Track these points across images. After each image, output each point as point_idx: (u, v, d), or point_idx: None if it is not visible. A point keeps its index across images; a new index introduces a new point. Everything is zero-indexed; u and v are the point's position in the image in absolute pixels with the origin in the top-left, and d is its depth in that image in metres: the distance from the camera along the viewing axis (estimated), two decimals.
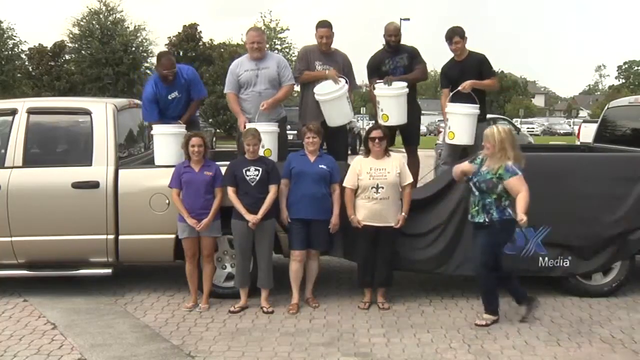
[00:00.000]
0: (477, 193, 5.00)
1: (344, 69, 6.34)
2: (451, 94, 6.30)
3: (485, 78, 6.30)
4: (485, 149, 5.01)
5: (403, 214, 5.40)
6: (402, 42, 6.55)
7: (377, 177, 5.34)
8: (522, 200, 4.78)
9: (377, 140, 5.42)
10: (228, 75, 6.30)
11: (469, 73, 6.22)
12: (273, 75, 6.18)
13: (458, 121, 6.17)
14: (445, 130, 6.45)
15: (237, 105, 6.22)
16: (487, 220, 4.94)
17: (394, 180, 5.35)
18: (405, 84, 6.18)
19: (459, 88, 6.16)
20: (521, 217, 4.66)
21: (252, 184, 5.34)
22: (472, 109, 6.14)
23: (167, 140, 5.85)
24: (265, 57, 6.22)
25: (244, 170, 5.36)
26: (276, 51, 35.62)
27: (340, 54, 6.48)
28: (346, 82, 6.13)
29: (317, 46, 6.33)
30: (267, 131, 5.87)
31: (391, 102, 6.20)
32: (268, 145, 5.85)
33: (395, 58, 6.40)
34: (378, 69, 6.51)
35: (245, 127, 5.83)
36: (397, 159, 5.49)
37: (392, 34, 6.41)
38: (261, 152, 5.65)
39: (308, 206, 5.37)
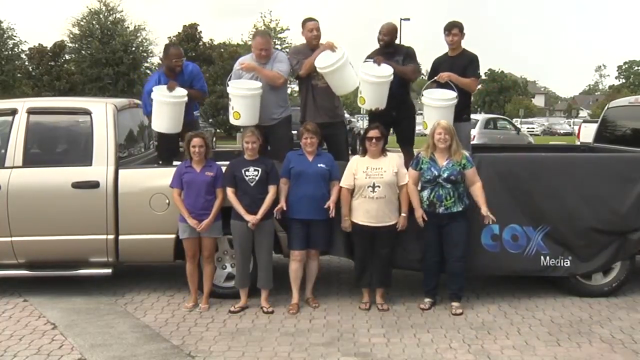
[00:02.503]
0: (448, 185, 5.29)
1: None
2: (429, 82, 6.26)
3: (468, 76, 6.22)
4: (442, 142, 5.31)
5: (403, 214, 5.40)
6: (402, 42, 6.49)
7: (374, 176, 5.33)
8: (482, 194, 5.26)
9: (374, 140, 5.40)
10: (232, 75, 6.29)
11: (456, 71, 6.15)
12: None
13: (431, 112, 5.98)
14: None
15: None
16: (463, 207, 5.32)
17: (390, 179, 5.35)
18: (389, 72, 5.94)
19: (436, 77, 6.15)
20: (488, 214, 5.19)
21: (252, 184, 5.34)
22: (448, 100, 5.94)
23: (166, 105, 5.93)
24: (269, 58, 6.19)
25: (243, 171, 5.36)
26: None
27: None
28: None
29: (306, 44, 6.27)
30: (238, 94, 5.80)
31: (368, 86, 6.00)
32: (237, 108, 5.75)
33: (390, 62, 6.34)
34: None
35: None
36: (395, 159, 5.48)
37: (385, 33, 6.26)
38: (231, 113, 5.69)
39: (308, 206, 5.37)
